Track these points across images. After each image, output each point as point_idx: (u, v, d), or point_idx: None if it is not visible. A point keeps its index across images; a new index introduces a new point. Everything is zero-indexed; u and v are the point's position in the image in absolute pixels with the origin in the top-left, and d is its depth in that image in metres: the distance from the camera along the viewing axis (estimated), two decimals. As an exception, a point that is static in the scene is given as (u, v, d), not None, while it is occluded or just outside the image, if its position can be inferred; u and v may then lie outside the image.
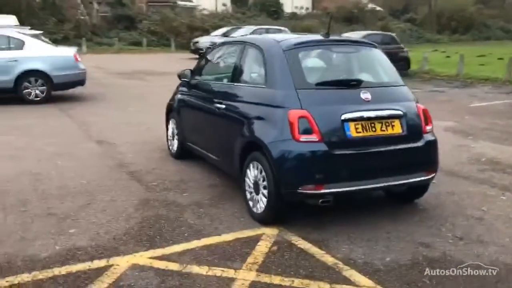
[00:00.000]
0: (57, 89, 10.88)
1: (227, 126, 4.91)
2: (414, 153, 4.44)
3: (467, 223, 4.55)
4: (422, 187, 4.89)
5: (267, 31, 24.07)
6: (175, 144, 6.42)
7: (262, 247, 3.91)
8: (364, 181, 4.21)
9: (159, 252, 3.79)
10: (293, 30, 32.96)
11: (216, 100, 5.16)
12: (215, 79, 5.55)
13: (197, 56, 24.42)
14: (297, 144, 4.02)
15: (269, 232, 4.20)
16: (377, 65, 4.82)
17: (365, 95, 4.28)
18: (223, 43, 5.89)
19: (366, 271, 3.56)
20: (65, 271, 3.46)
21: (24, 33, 11.06)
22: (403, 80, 4.84)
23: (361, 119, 4.19)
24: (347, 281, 3.43)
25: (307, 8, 49.43)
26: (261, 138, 4.28)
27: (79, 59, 11.05)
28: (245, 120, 4.56)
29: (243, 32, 23.70)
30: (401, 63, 17.90)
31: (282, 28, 25.02)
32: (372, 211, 4.76)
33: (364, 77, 4.61)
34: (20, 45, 10.42)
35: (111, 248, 3.83)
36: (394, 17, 47.08)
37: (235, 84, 4.97)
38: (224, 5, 42.19)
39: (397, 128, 4.34)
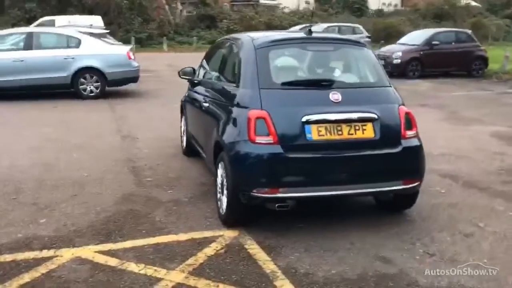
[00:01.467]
0: (110, 86, 11.46)
1: (208, 125, 4.89)
2: (389, 160, 4.12)
3: (450, 239, 4.14)
4: (408, 197, 4.54)
5: (339, 29, 23.58)
6: (184, 141, 6.52)
7: (210, 250, 3.84)
8: (327, 187, 3.98)
9: (108, 247, 3.87)
10: (374, 27, 32.01)
11: (203, 98, 5.17)
12: (206, 77, 5.55)
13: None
14: (252, 146, 3.90)
15: (228, 235, 4.13)
16: (358, 65, 4.54)
17: (335, 96, 4.05)
18: (220, 41, 5.87)
19: (300, 282, 3.38)
20: (11, 258, 3.64)
21: (85, 32, 11.79)
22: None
23: (325, 121, 3.96)
24: (273, 291, 3.28)
25: (395, 5, 47.63)
26: (223, 138, 4.21)
27: (132, 57, 11.56)
28: (218, 119, 4.51)
29: (315, 30, 23.40)
30: (477, 62, 16.72)
31: (356, 25, 24.32)
32: (353, 219, 4.50)
33: (339, 77, 4.36)
34: (77, 43, 11.11)
35: (67, 240, 3.97)
36: (491, 12, 43.89)
37: (217, 82, 4.94)
38: (307, 2, 41.91)
39: (369, 132, 4.05)
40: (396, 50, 16.72)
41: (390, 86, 4.40)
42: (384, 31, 31.39)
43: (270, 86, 4.11)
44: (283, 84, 4.13)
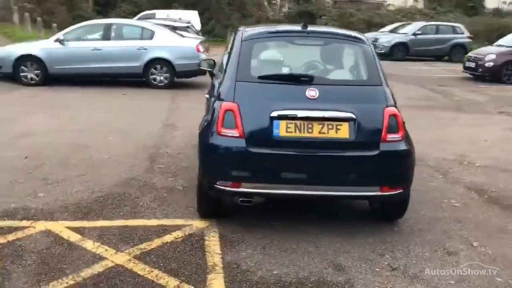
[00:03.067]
0: (179, 77, 11.93)
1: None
2: (363, 163, 3.87)
3: (428, 255, 3.81)
4: (395, 206, 4.24)
5: (437, 28, 22.21)
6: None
7: (170, 237, 3.91)
8: (293, 186, 3.85)
9: (80, 224, 4.09)
10: (486, 28, 29.68)
11: (208, 90, 5.24)
12: (217, 69, 5.58)
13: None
14: (218, 138, 3.88)
15: (197, 225, 4.16)
16: (349, 61, 4.30)
17: (311, 92, 3.88)
18: (231, 31, 5.87)
19: (233, 279, 3.33)
20: (-9, 224, 4.02)
21: (160, 24, 12.42)
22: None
23: (295, 118, 3.82)
24: (201, 283, 3.25)
25: (517, 4, 43.62)
26: (199, 129, 4.24)
27: (201, 50, 11.92)
28: (207, 111, 4.55)
29: (411, 29, 22.32)
30: None
31: (457, 25, 22.72)
32: (334, 223, 4.30)
33: (322, 73, 4.17)
34: (150, 35, 11.72)
35: (48, 214, 4.27)
36: None
37: (218, 73, 4.96)
38: (415, 0, 39.94)
39: (343, 133, 3.83)
40: (490, 52, 15.39)
41: (381, 85, 4.10)
42: (497, 32, 28.96)
43: (247, 79, 4.05)
44: (260, 77, 4.05)
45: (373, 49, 4.34)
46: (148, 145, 6.66)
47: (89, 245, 3.73)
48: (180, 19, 18.97)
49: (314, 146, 3.83)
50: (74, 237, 3.84)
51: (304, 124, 3.82)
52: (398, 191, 3.94)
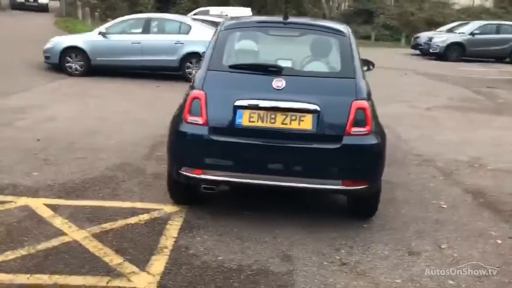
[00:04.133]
0: (214, 71, 12.13)
1: None
2: (325, 156, 3.82)
3: (386, 253, 3.71)
4: (364, 202, 4.15)
5: (498, 27, 21.09)
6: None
7: (135, 219, 4.05)
8: (254, 175, 3.86)
9: (57, 202, 4.31)
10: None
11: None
12: None
13: (417, 52, 23.15)
14: (184, 125, 3.96)
15: (168, 210, 4.27)
16: (324, 53, 4.23)
17: (278, 83, 3.88)
18: None
19: (175, 261, 3.41)
20: (-27, 197, 4.33)
21: (198, 19, 12.68)
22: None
23: (258, 108, 3.83)
24: (144, 263, 3.35)
25: None
26: (172, 117, 4.34)
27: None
28: None
29: (469, 28, 21.34)
30: None
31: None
32: (305, 216, 4.27)
33: (292, 64, 4.13)
34: (187, 30, 12.01)
35: (33, 191, 4.53)
36: None
37: None
38: (485, -1, 38.06)
39: (306, 124, 3.80)
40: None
41: (354, 78, 4.02)
42: None
43: (218, 68, 4.10)
44: (231, 67, 4.08)
45: (352, 41, 4.25)
46: (157, 134, 6.83)
47: (57, 221, 3.93)
48: (226, 15, 19.21)
49: (276, 137, 3.83)
50: (46, 213, 4.06)
51: (267, 114, 3.83)
52: (362, 186, 3.85)
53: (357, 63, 4.13)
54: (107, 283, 3.09)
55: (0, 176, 4.85)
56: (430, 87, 13.24)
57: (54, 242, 3.59)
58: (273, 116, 3.82)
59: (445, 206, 4.71)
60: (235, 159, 3.89)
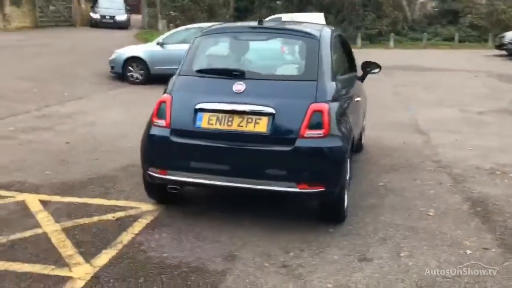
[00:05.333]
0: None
1: None
2: (278, 158, 3.83)
3: (336, 258, 3.64)
4: (327, 206, 4.08)
5: None
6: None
7: (109, 216, 4.31)
8: (213, 176, 3.97)
9: (50, 198, 4.69)
10: None
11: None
12: None
13: (503, 52, 21.59)
14: (151, 127, 4.18)
15: (145, 208, 4.50)
16: (289, 57, 4.24)
17: (238, 86, 3.96)
18: None
19: (122, 256, 3.59)
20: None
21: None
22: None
23: (216, 111, 3.94)
24: (92, 256, 3.58)
25: None
26: None
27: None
28: None
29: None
30: None
31: None
32: (282, 219, 4.29)
33: (255, 67, 4.17)
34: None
35: (35, 188, 4.96)
36: None
37: None
38: None
39: (261, 127, 3.85)
40: None
41: (316, 81, 3.98)
42: None
43: (188, 73, 4.28)
44: (198, 71, 4.24)
45: (324, 45, 4.21)
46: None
47: (40, 215, 4.30)
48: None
49: (232, 139, 3.91)
50: (35, 208, 4.46)
51: (225, 117, 3.93)
52: (318, 190, 3.82)
53: (325, 66, 4.09)
54: (50, 271, 3.36)
55: (16, 174, 5.38)
56: (495, 90, 12.37)
57: (27, 233, 3.94)
58: (230, 119, 3.91)
59: (432, 214, 4.47)
60: (193, 160, 4.02)
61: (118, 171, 5.55)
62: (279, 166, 3.85)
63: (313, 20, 24.20)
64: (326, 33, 4.39)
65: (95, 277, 3.30)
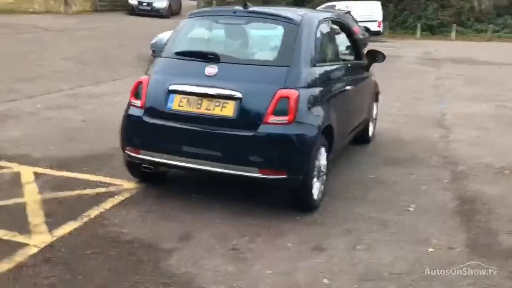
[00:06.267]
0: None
1: None
2: (241, 142, 3.83)
3: (290, 245, 3.60)
4: (292, 193, 4.04)
5: None
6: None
7: (90, 191, 4.47)
8: (182, 158, 4.03)
9: (44, 171, 4.89)
10: None
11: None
12: None
13: None
14: (129, 107, 4.29)
15: (127, 186, 4.63)
16: (266, 41, 4.20)
17: (210, 70, 3.99)
18: None
19: (83, 228, 3.75)
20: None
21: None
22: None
23: (187, 93, 3.99)
24: (56, 226, 3.75)
25: None
26: None
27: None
28: None
29: None
30: None
31: None
32: (255, 204, 4.30)
33: (229, 51, 4.16)
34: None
35: (35, 161, 5.19)
36: None
37: None
38: None
39: (228, 111, 3.86)
40: None
41: (289, 66, 3.92)
42: None
43: (168, 55, 4.36)
44: (176, 53, 4.29)
45: (303, 30, 4.14)
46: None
47: (28, 187, 4.54)
48: (349, 10, 18.94)
49: (200, 122, 3.95)
50: (27, 179, 4.71)
51: (195, 99, 3.97)
52: (280, 176, 3.79)
53: (303, 51, 4.03)
54: (11, 237, 3.56)
55: (23, 147, 5.68)
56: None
57: (9, 202, 4.16)
58: (199, 101, 3.95)
59: (411, 209, 4.31)
60: (163, 141, 4.09)
61: (117, 150, 5.70)
62: (242, 151, 3.84)
63: (368, 9, 23.68)
64: (309, 19, 4.30)
65: (49, 246, 3.46)
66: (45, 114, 7.44)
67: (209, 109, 3.90)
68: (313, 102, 3.99)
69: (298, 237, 3.72)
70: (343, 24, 5.30)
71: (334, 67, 4.70)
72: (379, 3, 24.30)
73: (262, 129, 3.76)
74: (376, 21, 23.82)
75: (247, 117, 3.83)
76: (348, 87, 4.88)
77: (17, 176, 4.81)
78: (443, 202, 4.49)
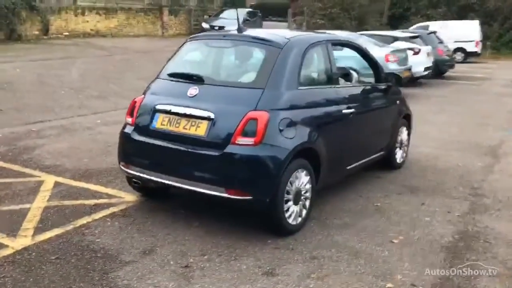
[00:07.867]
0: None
1: None
2: (209, 162, 3.89)
3: (244, 268, 3.56)
4: (262, 215, 4.00)
5: None
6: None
7: (91, 201, 4.78)
8: (162, 175, 4.19)
9: (64, 180, 5.35)
10: None
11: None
12: None
13: None
14: (124, 124, 4.56)
15: (129, 199, 4.89)
16: (247, 64, 4.23)
17: (192, 91, 4.15)
18: None
19: (64, 236, 4.02)
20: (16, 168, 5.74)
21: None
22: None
23: (168, 112, 4.17)
24: (40, 232, 4.08)
25: None
26: None
27: (391, 59, 11.54)
28: None
29: None
30: None
31: None
32: (236, 224, 4.33)
33: (216, 74, 4.30)
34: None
35: (64, 171, 5.69)
36: None
37: None
38: None
39: (201, 130, 3.97)
40: None
41: (263, 89, 3.93)
42: None
43: (162, 76, 4.60)
44: (168, 75, 4.50)
45: (286, 54, 4.14)
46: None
47: (42, 194, 4.97)
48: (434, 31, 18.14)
49: (177, 140, 4.11)
50: (46, 187, 5.16)
51: (175, 119, 4.14)
52: (245, 197, 3.80)
53: (279, 74, 4.04)
54: (-3, 237, 3.95)
55: (61, 159, 6.21)
56: None
57: (16, 207, 4.60)
58: (179, 121, 4.11)
59: (396, 241, 4.06)
60: (146, 158, 4.29)
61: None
62: (211, 170, 3.90)
63: (466, 28, 22.46)
64: (295, 42, 4.28)
65: (24, 249, 3.79)
66: (99, 129, 8.06)
67: (186, 128, 4.04)
68: (289, 124, 3.95)
69: (257, 261, 3.68)
70: (354, 47, 5.13)
71: (325, 90, 4.60)
72: (477, 22, 22.95)
73: (229, 149, 3.80)
74: (473, 41, 22.51)
75: (217, 137, 3.90)
76: (348, 111, 4.73)
77: (39, 184, 5.28)
78: (438, 236, 4.16)
